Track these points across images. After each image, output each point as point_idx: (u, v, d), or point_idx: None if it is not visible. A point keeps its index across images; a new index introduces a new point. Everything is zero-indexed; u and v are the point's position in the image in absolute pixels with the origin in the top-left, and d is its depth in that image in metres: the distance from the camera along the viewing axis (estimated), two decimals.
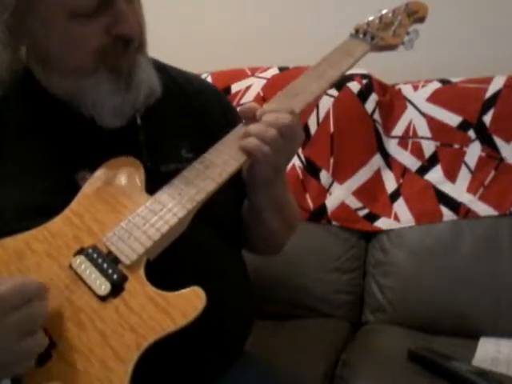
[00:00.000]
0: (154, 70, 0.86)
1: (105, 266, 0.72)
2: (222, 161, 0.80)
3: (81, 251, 0.75)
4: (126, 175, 0.82)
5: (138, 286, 0.71)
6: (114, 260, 0.73)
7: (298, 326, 1.34)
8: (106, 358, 0.67)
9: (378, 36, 0.94)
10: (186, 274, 0.79)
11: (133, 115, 0.85)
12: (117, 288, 0.71)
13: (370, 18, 0.97)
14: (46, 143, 0.85)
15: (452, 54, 1.53)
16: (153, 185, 0.81)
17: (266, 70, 1.52)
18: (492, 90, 1.36)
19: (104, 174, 0.82)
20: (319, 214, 1.42)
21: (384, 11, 0.98)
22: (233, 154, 0.80)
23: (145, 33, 0.84)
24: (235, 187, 0.91)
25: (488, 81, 1.38)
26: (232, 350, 0.88)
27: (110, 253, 0.74)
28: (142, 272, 0.72)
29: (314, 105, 1.42)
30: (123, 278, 0.72)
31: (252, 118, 0.83)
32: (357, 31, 0.95)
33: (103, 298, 0.70)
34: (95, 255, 0.74)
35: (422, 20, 1.00)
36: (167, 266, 0.76)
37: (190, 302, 0.69)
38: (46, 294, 0.67)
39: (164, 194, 0.78)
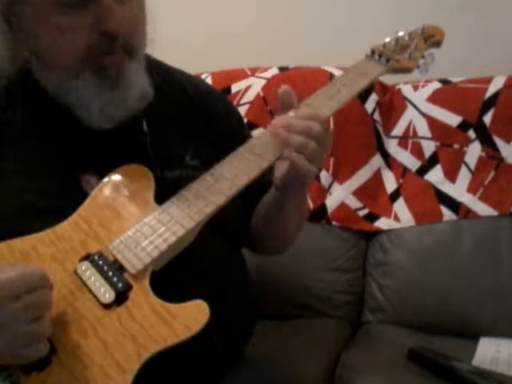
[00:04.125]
0: (146, 76, 0.84)
1: (110, 273, 0.72)
2: (232, 175, 0.79)
3: (87, 257, 0.74)
4: (136, 183, 0.81)
5: (142, 295, 0.71)
6: (119, 268, 0.73)
7: (298, 325, 1.34)
8: (106, 367, 0.66)
9: (393, 58, 0.94)
10: (189, 281, 0.79)
11: (133, 119, 0.84)
12: (121, 297, 0.71)
13: (387, 40, 0.97)
14: (48, 145, 0.85)
15: (452, 54, 1.52)
16: (156, 191, 0.81)
17: (266, 69, 1.52)
18: (492, 90, 1.36)
19: (114, 181, 0.82)
20: (319, 214, 1.42)
21: (400, 33, 0.98)
22: (243, 169, 0.79)
23: (140, 39, 0.83)
24: (243, 194, 0.92)
25: (488, 81, 1.38)
26: (233, 353, 0.88)
27: (115, 261, 0.74)
28: (146, 282, 0.72)
29: None
30: (128, 287, 0.71)
31: (287, 106, 0.83)
32: (372, 52, 0.95)
33: (107, 306, 0.70)
34: (101, 262, 0.73)
35: (438, 44, 1.00)
36: (171, 273, 0.76)
37: (194, 315, 0.69)
38: (50, 283, 0.68)
39: (173, 205, 0.77)
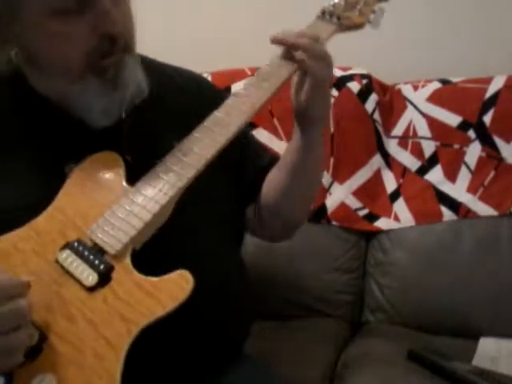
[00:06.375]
0: (141, 70, 0.85)
1: (91, 257, 0.73)
2: (199, 148, 0.80)
3: (66, 245, 0.75)
4: (107, 169, 0.82)
5: (125, 274, 0.72)
6: (99, 251, 0.74)
7: (298, 326, 1.34)
8: (98, 347, 0.67)
9: (343, 16, 0.95)
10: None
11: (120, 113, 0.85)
12: (104, 278, 0.71)
13: (336, 0, 0.98)
14: (34, 142, 0.85)
15: (452, 54, 1.53)
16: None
17: None
18: (492, 90, 1.36)
19: (85, 170, 0.83)
20: (319, 214, 1.42)
21: None
22: (209, 141, 0.81)
23: (133, 33, 0.83)
24: (240, 188, 0.91)
25: (488, 81, 1.38)
26: (231, 350, 0.89)
27: (95, 244, 0.74)
28: (128, 260, 0.73)
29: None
30: (110, 268, 0.72)
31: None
32: (323, 13, 0.96)
33: (91, 289, 0.71)
34: (81, 248, 0.74)
35: None
36: (155, 258, 0.75)
37: (178, 285, 0.69)
38: (27, 292, 0.67)
39: (145, 184, 0.78)
